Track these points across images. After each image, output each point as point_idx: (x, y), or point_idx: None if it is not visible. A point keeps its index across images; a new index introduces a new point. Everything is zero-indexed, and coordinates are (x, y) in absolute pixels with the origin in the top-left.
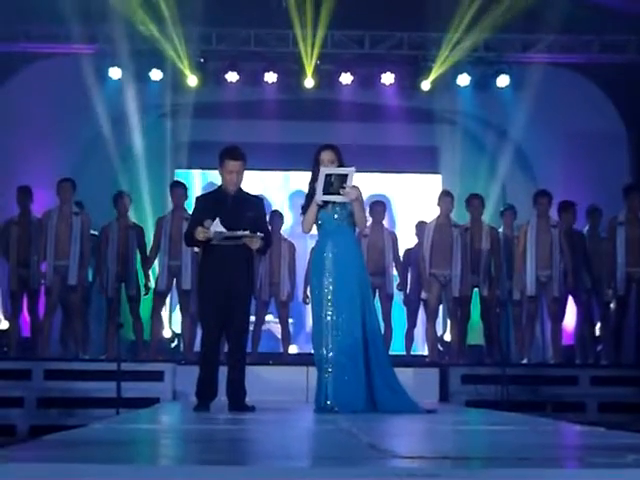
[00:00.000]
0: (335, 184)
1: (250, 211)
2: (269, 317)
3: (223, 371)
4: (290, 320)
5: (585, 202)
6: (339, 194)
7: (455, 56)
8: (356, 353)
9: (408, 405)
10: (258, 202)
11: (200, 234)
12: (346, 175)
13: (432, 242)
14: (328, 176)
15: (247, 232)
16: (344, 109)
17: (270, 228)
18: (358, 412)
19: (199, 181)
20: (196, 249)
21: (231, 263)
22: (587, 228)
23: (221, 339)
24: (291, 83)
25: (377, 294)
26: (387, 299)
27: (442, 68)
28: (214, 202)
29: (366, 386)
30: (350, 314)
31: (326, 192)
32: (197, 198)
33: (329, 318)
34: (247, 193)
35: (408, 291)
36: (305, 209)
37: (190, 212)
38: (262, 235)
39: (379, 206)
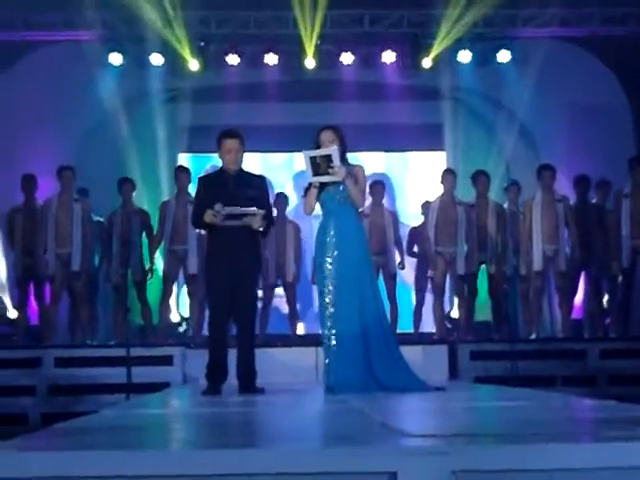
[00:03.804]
0: (322, 165)
1: (252, 190)
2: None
3: (233, 353)
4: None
5: (590, 175)
6: (329, 174)
7: (455, 33)
8: (356, 334)
9: (415, 383)
10: (260, 181)
11: (208, 216)
12: (330, 155)
13: (436, 220)
14: (312, 158)
15: (249, 209)
16: (346, 89)
17: (275, 210)
18: (358, 392)
19: (203, 165)
20: (202, 232)
21: (237, 244)
22: (595, 201)
23: (229, 320)
24: (292, 64)
25: (380, 274)
26: (390, 278)
27: (443, 45)
28: (216, 183)
29: (366, 367)
30: (350, 295)
31: (316, 174)
32: (199, 179)
33: (331, 298)
34: (249, 173)
35: (415, 270)
36: (307, 192)
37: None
38: (263, 212)
39: (378, 185)
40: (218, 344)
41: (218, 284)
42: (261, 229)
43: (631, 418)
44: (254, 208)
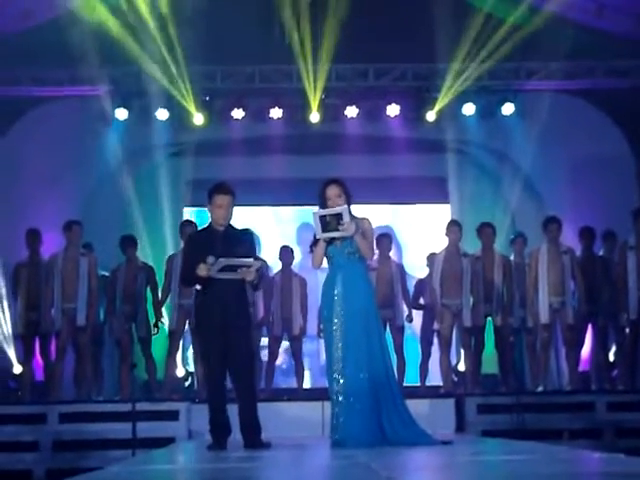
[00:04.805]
0: (332, 222)
1: (241, 247)
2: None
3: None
4: None
5: (594, 227)
6: (338, 230)
7: (459, 86)
8: (364, 388)
9: (422, 437)
10: (248, 237)
11: (203, 270)
12: (340, 213)
13: (442, 272)
14: (322, 217)
15: (246, 260)
16: (350, 142)
17: (281, 263)
18: (365, 447)
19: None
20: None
21: (226, 298)
22: (602, 252)
23: (225, 375)
24: (297, 118)
25: (387, 327)
26: (398, 331)
27: (447, 98)
28: (205, 240)
29: (375, 421)
30: (357, 349)
31: (324, 230)
32: (188, 236)
33: (339, 352)
34: (236, 229)
35: (421, 322)
36: (313, 246)
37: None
38: (260, 264)
39: (385, 238)
40: (216, 400)
41: (210, 340)
42: (255, 282)
43: (639, 472)
44: (251, 259)
